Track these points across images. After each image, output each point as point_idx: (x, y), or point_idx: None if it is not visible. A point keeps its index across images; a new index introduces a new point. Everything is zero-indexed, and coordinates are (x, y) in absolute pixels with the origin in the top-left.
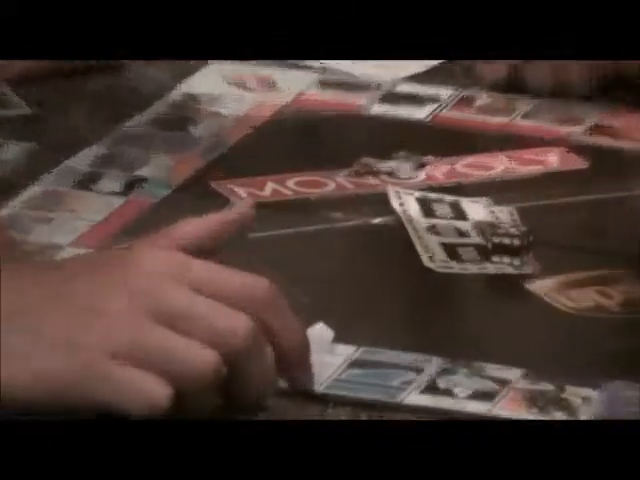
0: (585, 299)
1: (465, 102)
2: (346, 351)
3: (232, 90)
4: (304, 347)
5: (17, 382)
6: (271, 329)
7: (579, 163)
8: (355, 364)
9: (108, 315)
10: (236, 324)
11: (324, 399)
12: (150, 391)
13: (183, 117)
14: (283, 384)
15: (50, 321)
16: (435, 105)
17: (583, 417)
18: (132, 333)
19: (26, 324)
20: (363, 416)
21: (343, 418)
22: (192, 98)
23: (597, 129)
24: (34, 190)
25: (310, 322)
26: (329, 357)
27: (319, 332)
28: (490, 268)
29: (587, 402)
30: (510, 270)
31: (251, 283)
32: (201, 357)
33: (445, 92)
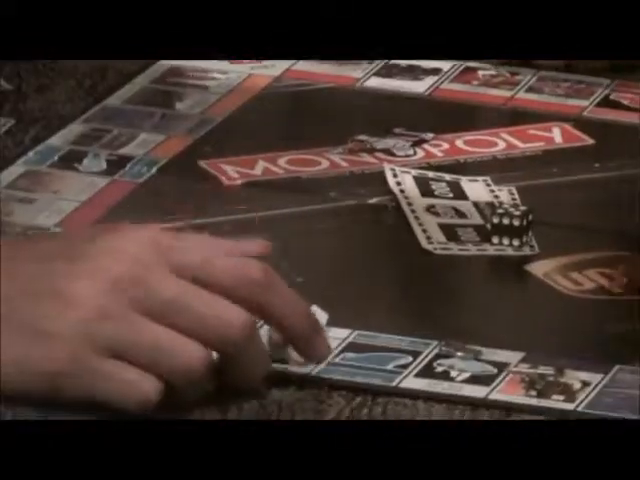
0: (586, 281)
1: (467, 74)
2: (340, 334)
3: (220, 62)
4: (310, 320)
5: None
6: (272, 310)
7: (583, 139)
8: (350, 348)
9: (90, 306)
10: (231, 317)
11: (318, 383)
12: (138, 386)
13: (168, 92)
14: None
15: (30, 309)
16: (435, 77)
17: (581, 401)
18: (117, 326)
19: (8, 311)
20: (358, 400)
21: (340, 403)
22: (177, 71)
23: (604, 103)
24: (15, 170)
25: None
26: None
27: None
28: (489, 249)
29: (586, 386)
30: (510, 251)
31: (243, 266)
32: (189, 352)
33: (446, 64)
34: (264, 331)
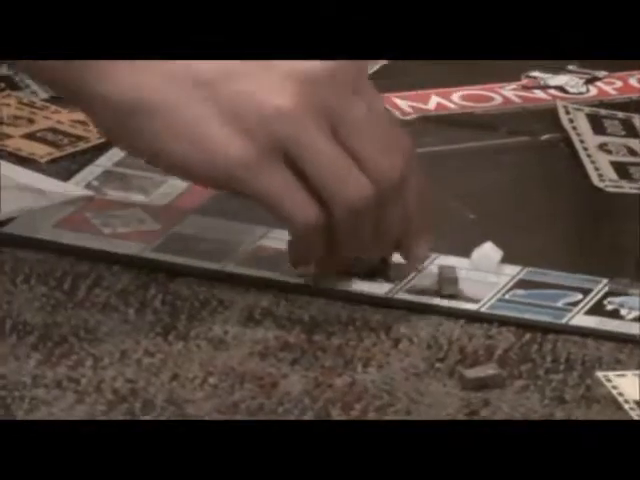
0: None
1: None
2: (511, 271)
3: None
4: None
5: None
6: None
7: None
8: (520, 284)
9: (274, 104)
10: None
11: (488, 319)
12: (301, 208)
13: None
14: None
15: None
16: None
17: None
18: (298, 128)
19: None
20: (527, 337)
21: (510, 340)
22: None
23: None
24: None
25: (477, 240)
26: (494, 277)
27: (487, 252)
28: None
29: None
30: None
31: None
32: (361, 185)
33: None
34: (435, 267)
